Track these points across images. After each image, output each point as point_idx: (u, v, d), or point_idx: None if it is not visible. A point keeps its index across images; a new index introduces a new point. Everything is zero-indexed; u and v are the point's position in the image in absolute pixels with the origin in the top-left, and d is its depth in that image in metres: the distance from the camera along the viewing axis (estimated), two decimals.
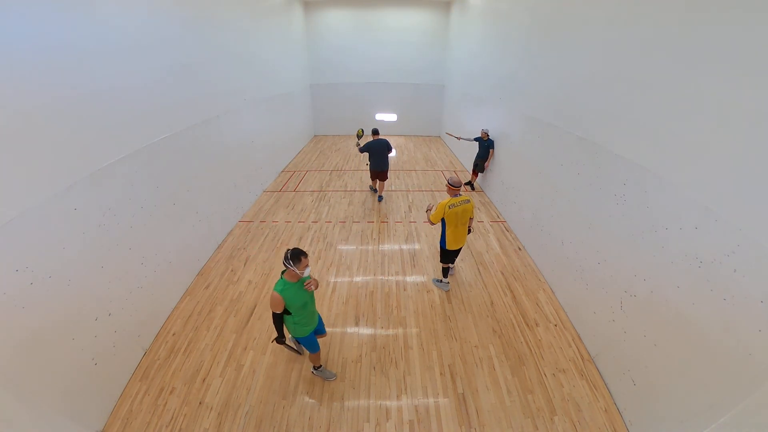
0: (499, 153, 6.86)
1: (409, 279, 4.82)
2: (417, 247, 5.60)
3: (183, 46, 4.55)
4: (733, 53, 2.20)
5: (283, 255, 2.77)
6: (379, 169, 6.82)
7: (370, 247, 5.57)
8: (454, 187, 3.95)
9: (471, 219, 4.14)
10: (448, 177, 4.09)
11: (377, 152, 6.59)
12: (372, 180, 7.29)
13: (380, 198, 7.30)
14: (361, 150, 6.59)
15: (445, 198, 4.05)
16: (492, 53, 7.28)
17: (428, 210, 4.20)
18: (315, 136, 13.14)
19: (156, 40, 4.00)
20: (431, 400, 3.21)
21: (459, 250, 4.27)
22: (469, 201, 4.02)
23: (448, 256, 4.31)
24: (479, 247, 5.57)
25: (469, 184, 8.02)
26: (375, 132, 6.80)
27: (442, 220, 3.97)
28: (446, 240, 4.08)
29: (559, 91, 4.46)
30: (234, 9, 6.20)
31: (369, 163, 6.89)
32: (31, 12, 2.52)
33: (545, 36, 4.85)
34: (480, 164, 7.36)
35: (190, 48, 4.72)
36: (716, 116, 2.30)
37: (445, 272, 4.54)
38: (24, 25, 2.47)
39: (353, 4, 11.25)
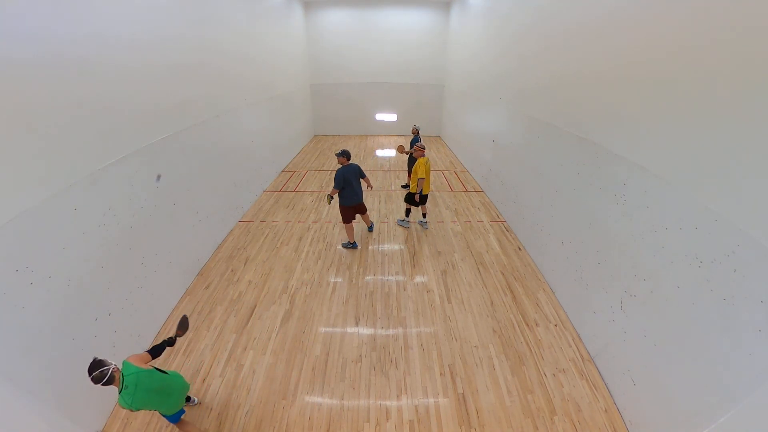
0: (499, 153, 6.86)
1: (409, 279, 4.82)
2: (417, 247, 5.60)
3: (183, 46, 4.55)
4: (732, 53, 2.20)
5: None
6: (358, 201, 5.26)
7: (370, 247, 5.57)
8: (422, 150, 5.49)
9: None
10: (420, 144, 5.48)
11: (351, 181, 5.04)
12: (347, 221, 5.32)
13: (371, 228, 5.98)
14: (336, 185, 4.97)
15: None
16: (492, 53, 7.28)
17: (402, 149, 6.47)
18: (315, 136, 13.15)
19: (156, 40, 4.00)
20: (431, 400, 3.21)
21: (427, 195, 5.79)
22: (428, 159, 5.55)
23: (423, 199, 5.71)
24: (479, 247, 5.57)
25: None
26: (345, 155, 5.05)
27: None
28: (423, 187, 5.46)
29: (559, 91, 4.46)
30: (234, 9, 6.21)
31: (339, 197, 5.14)
32: (30, 12, 2.51)
33: (545, 35, 4.85)
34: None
35: (190, 48, 4.72)
36: (716, 116, 2.30)
37: (408, 212, 6.05)
38: (23, 25, 2.47)
39: (353, 4, 11.25)
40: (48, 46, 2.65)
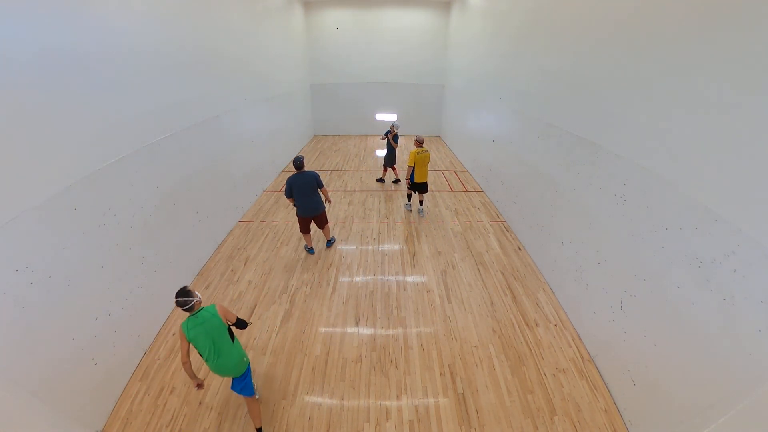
0: (499, 153, 6.86)
1: (409, 279, 4.82)
2: (417, 247, 5.60)
3: (183, 46, 4.55)
4: (732, 53, 2.20)
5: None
6: (312, 214, 4.99)
7: (370, 247, 5.57)
8: (419, 143, 6.04)
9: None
10: (416, 137, 6.09)
11: (303, 191, 4.83)
12: (302, 230, 5.14)
13: (330, 242, 5.51)
14: (285, 193, 4.95)
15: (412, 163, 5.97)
16: (492, 53, 7.28)
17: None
18: (315, 136, 13.14)
19: (156, 40, 4.00)
20: (431, 400, 3.21)
21: (423, 184, 6.25)
22: (427, 151, 6.04)
23: (415, 187, 6.27)
24: (479, 247, 5.57)
25: (397, 180, 8.39)
26: (298, 164, 4.87)
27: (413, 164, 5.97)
28: (414, 176, 6.05)
29: (559, 91, 4.46)
30: (234, 9, 6.21)
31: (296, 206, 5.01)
32: (31, 13, 2.52)
33: (545, 36, 4.85)
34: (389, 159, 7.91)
35: (190, 48, 4.72)
36: (716, 116, 2.30)
37: (409, 197, 6.81)
38: (24, 26, 2.47)
39: (353, 4, 11.25)
40: (48, 45, 2.65)
